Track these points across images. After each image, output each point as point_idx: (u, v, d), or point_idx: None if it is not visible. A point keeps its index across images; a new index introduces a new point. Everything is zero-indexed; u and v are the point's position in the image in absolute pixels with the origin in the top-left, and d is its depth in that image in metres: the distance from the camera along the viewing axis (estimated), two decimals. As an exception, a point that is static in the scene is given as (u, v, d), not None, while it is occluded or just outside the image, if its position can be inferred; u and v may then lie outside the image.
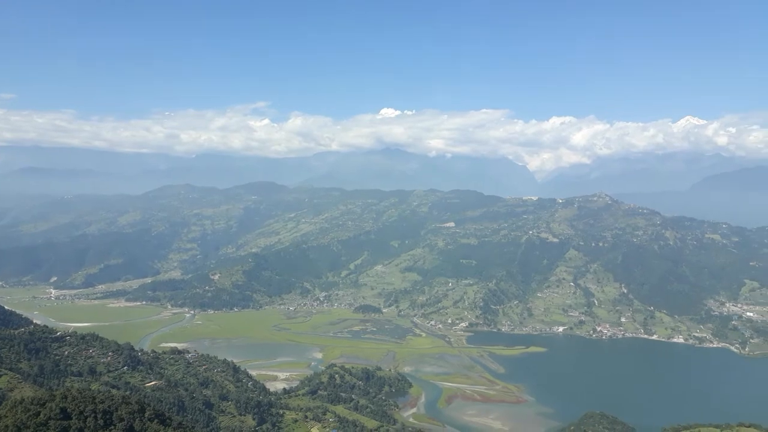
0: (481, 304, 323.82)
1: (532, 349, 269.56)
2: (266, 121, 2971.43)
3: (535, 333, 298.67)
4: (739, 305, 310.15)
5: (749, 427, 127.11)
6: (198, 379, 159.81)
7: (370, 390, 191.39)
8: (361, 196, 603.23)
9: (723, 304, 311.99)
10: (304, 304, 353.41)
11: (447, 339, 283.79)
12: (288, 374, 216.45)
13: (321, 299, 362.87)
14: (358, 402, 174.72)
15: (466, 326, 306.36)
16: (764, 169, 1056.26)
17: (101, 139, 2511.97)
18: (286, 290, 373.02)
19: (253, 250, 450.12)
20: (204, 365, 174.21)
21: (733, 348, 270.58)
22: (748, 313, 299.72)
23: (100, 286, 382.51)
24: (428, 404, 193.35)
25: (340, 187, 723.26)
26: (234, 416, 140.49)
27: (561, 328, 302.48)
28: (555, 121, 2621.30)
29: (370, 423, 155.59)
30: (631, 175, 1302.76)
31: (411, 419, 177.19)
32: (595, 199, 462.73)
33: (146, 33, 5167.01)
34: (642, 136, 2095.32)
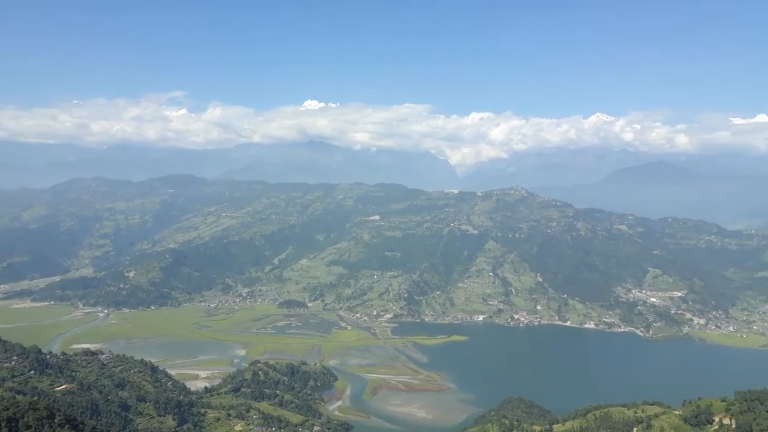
0: (406, 295, 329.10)
1: (454, 338, 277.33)
2: (183, 111, 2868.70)
3: (457, 322, 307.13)
4: (644, 291, 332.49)
5: (653, 404, 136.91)
6: (113, 380, 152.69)
7: (295, 385, 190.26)
8: (285, 189, 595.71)
9: (629, 290, 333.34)
10: (226, 301, 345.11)
11: (372, 331, 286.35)
12: (210, 373, 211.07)
13: (244, 295, 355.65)
14: (282, 398, 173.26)
15: (391, 317, 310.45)
16: (665, 164, 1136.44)
17: (1, 129, 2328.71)
18: (207, 287, 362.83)
19: (171, 246, 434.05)
20: (120, 366, 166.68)
21: (638, 332, 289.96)
22: (651, 299, 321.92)
23: (2, 286, 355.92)
24: (354, 396, 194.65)
25: (262, 180, 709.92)
26: (153, 417, 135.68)
27: (481, 317, 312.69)
28: (475, 116, 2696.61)
29: (295, 418, 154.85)
30: (545, 169, 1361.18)
31: (337, 412, 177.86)
32: (512, 192, 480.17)
33: (48, 13, 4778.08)
34: (556, 131, 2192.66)
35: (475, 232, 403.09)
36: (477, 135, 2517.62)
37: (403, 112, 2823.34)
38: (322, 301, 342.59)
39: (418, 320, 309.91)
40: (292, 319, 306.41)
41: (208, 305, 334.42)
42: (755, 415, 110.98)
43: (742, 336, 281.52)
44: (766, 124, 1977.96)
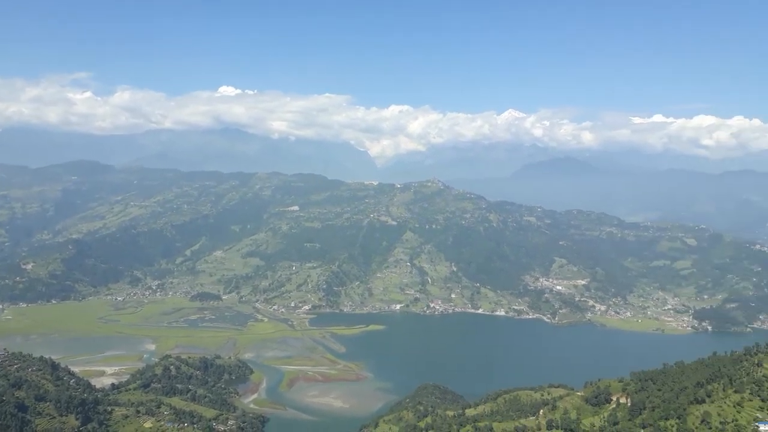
0: (324, 286, 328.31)
1: (372, 327, 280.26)
2: (88, 93, 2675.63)
3: (375, 312, 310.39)
4: (551, 280, 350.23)
5: (558, 387, 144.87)
6: (9, 380, 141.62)
7: (209, 379, 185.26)
8: (199, 177, 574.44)
9: (537, 279, 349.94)
10: (135, 294, 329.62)
11: (290, 323, 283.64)
12: (117, 369, 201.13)
13: (154, 288, 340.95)
14: (195, 392, 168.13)
15: (309, 309, 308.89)
16: (572, 159, 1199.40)
17: None
18: (114, 279, 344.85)
19: (74, 236, 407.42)
20: (15, 364, 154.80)
21: (545, 318, 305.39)
22: (557, 287, 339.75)
23: None
24: (270, 389, 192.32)
25: (174, 168, 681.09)
26: (54, 417, 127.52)
27: (398, 306, 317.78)
28: (394, 109, 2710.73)
29: (209, 412, 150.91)
30: (461, 163, 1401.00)
31: (252, 405, 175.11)
32: (429, 184, 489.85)
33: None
34: (470, 126, 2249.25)
35: (394, 223, 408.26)
36: (396, 127, 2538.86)
37: (323, 102, 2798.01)
38: (238, 293, 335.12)
39: (337, 311, 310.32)
40: (205, 312, 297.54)
41: (115, 299, 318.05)
42: (648, 393, 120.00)
43: (638, 321, 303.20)
44: (662, 124, 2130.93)
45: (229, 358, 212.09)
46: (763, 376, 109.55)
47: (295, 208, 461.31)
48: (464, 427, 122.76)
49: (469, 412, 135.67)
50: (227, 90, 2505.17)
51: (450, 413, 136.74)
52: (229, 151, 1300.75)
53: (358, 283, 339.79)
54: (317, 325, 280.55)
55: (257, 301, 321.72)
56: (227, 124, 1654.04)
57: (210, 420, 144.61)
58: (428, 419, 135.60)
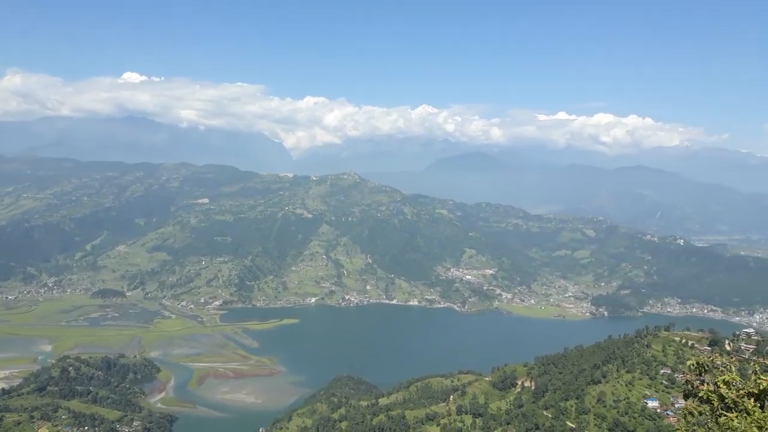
0: (236, 281, 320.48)
1: (286, 321, 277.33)
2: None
3: (290, 306, 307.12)
4: (461, 270, 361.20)
5: (467, 373, 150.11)
6: None
7: (112, 380, 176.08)
8: (100, 168, 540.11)
9: (448, 269, 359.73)
10: (28, 292, 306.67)
11: (200, 319, 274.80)
12: (8, 372, 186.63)
13: (50, 285, 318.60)
14: (97, 394, 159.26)
15: (220, 304, 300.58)
16: (482, 154, 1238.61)
17: None
18: (4, 277, 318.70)
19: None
20: None
21: (456, 307, 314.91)
22: (467, 277, 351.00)
23: None
24: (178, 387, 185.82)
25: (72, 157, 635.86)
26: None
27: (313, 299, 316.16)
28: (309, 100, 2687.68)
29: (112, 414, 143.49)
30: (376, 156, 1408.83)
31: (159, 404, 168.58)
32: (345, 177, 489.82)
33: None
34: (386, 120, 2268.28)
35: (310, 215, 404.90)
36: (311, 119, 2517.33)
37: (235, 91, 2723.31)
38: (143, 289, 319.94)
39: (250, 306, 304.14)
40: (107, 309, 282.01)
41: (6, 297, 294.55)
42: (550, 376, 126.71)
43: (541, 308, 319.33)
44: (565, 121, 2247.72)
45: (134, 357, 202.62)
46: (652, 356, 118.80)
47: (205, 200, 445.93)
48: (377, 416, 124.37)
49: (383, 401, 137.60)
50: (131, 76, 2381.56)
51: (364, 403, 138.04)
52: (134, 140, 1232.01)
53: (272, 277, 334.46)
54: (229, 320, 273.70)
55: (164, 297, 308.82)
56: (131, 112, 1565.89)
57: (113, 422, 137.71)
58: (342, 410, 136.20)
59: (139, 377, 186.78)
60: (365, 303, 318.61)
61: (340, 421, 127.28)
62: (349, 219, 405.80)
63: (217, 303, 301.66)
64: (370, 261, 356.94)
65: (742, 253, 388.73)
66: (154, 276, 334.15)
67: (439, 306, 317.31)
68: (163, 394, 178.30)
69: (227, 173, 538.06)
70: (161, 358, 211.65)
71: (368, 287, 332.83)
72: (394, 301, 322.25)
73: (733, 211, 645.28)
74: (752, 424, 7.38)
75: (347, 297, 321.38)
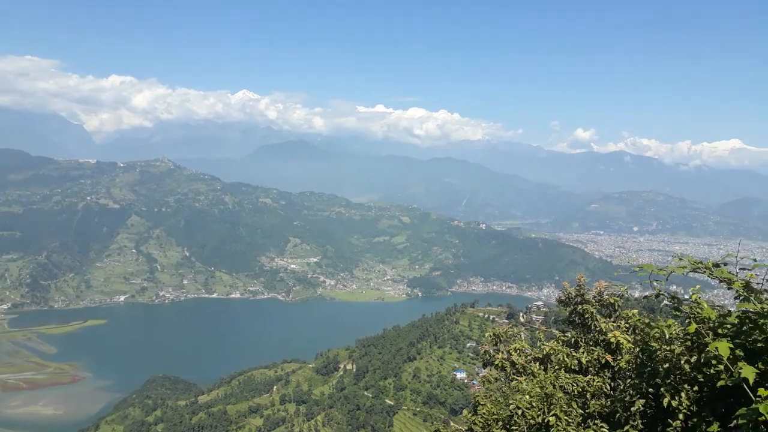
0: (29, 280, 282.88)
1: (91, 322, 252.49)
2: None
3: (95, 305, 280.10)
4: (285, 259, 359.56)
5: (291, 362, 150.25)
6: None
7: None
8: None
9: (273, 259, 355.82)
10: None
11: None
12: None
13: None
14: None
15: (9, 308, 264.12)
16: (305, 143, 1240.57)
17: None
18: None
19: None
20: None
21: (280, 297, 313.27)
22: (292, 266, 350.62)
23: None
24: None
25: None
26: None
27: (123, 297, 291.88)
28: (115, 79, 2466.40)
29: None
30: (193, 141, 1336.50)
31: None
32: (158, 164, 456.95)
33: None
34: (203, 104, 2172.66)
35: (117, 206, 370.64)
36: (117, 100, 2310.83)
37: (23, 66, 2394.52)
38: None
39: (46, 307, 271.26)
40: None
41: None
42: (370, 357, 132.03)
43: (362, 292, 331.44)
44: (383, 114, 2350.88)
45: None
46: (460, 331, 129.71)
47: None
48: (197, 414, 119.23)
49: (203, 398, 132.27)
50: None
51: (182, 403, 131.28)
52: None
53: (72, 274, 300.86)
54: (20, 325, 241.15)
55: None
56: None
57: None
58: (158, 412, 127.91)
59: None
60: (182, 299, 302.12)
61: (156, 424, 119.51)
62: (163, 209, 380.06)
63: (4, 306, 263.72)
64: (188, 254, 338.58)
65: (533, 235, 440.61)
66: None
67: (263, 297, 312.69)
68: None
69: (14, 158, 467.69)
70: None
71: (186, 281, 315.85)
72: (215, 295, 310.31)
73: (526, 198, 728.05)
74: (536, 385, 8.20)
75: (161, 293, 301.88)
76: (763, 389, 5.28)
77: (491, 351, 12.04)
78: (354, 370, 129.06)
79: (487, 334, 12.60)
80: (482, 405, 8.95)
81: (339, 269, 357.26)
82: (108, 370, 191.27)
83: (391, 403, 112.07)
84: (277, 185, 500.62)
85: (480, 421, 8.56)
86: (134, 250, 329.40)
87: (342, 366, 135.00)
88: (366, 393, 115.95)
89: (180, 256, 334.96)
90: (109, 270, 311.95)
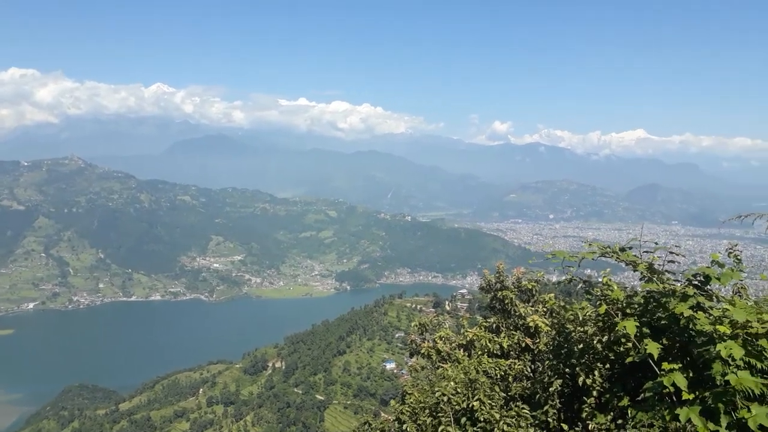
0: None
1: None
2: None
3: (0, 314, 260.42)
4: (208, 258, 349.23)
5: (217, 363, 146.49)
6: None
7: None
8: None
9: (194, 259, 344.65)
10: None
11: None
12: None
13: None
14: None
15: None
16: (225, 137, 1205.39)
17: None
18: None
19: None
20: None
21: (203, 297, 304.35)
22: (215, 265, 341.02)
23: None
24: None
25: None
26: None
27: (32, 305, 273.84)
28: (14, 72, 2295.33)
29: None
30: (104, 138, 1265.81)
31: None
32: (66, 162, 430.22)
33: None
34: (114, 98, 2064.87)
35: (22, 207, 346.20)
36: (18, 94, 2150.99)
37: None
38: None
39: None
40: None
41: None
42: (300, 354, 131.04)
43: (290, 289, 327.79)
44: (305, 107, 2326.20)
45: None
46: (388, 323, 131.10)
47: None
48: (118, 423, 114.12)
49: (124, 406, 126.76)
50: None
51: (101, 412, 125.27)
52: None
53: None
54: None
55: None
56: None
57: None
58: (75, 424, 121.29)
59: None
60: (98, 303, 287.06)
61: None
62: (74, 210, 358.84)
63: None
64: (102, 256, 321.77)
65: (456, 225, 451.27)
66: None
67: (185, 298, 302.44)
68: None
69: None
70: None
71: (101, 285, 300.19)
72: (134, 298, 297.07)
73: (448, 189, 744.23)
74: (461, 371, 8.41)
75: (75, 298, 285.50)
76: (666, 363, 5.68)
77: (417, 340, 12.24)
78: (283, 367, 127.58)
79: (413, 324, 12.80)
80: (410, 394, 9.09)
81: (265, 266, 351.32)
82: (17, 382, 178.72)
83: (322, 398, 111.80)
84: (196, 182, 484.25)
85: (407, 410, 8.67)
86: (43, 254, 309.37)
87: (271, 364, 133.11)
88: (296, 390, 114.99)
89: (94, 259, 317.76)
90: (16, 276, 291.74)
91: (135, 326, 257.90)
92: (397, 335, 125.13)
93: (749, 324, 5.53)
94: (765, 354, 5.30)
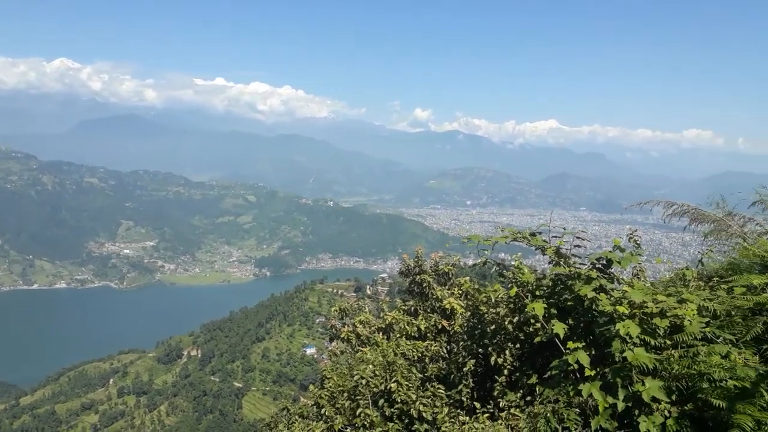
0: None
1: None
2: None
3: None
4: (117, 244, 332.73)
5: (128, 353, 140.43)
6: None
7: None
8: None
9: (103, 244, 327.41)
10: None
11: None
12: None
13: None
14: None
15: None
16: (136, 117, 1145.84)
17: None
18: None
19: None
20: None
21: (113, 284, 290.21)
22: (125, 251, 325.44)
23: None
24: None
25: None
26: None
27: None
28: None
29: None
30: (1, 115, 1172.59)
31: None
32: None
33: None
34: (12, 72, 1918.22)
35: None
36: None
37: None
38: None
39: None
40: None
41: None
42: (217, 342, 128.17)
43: (206, 275, 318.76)
44: (223, 87, 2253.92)
45: None
46: (309, 308, 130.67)
47: None
48: (19, 418, 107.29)
49: (25, 400, 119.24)
50: None
51: (0, 407, 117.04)
52: None
53: None
54: None
55: None
56: None
57: None
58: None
59: None
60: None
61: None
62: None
63: None
64: (1, 242, 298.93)
65: (377, 211, 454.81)
66: None
67: (93, 286, 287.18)
68: None
69: None
70: None
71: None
72: (36, 286, 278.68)
73: (371, 175, 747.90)
74: (379, 354, 8.57)
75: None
76: (571, 342, 6.06)
77: (337, 325, 12.31)
78: (199, 356, 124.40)
79: (333, 309, 12.85)
80: (329, 378, 9.12)
81: (179, 252, 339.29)
82: None
83: (240, 385, 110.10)
84: (104, 163, 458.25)
85: (326, 395, 8.71)
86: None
87: (186, 353, 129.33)
88: (213, 378, 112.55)
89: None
90: None
91: (37, 316, 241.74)
92: (317, 320, 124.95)
93: (645, 304, 5.86)
94: (658, 332, 5.65)
